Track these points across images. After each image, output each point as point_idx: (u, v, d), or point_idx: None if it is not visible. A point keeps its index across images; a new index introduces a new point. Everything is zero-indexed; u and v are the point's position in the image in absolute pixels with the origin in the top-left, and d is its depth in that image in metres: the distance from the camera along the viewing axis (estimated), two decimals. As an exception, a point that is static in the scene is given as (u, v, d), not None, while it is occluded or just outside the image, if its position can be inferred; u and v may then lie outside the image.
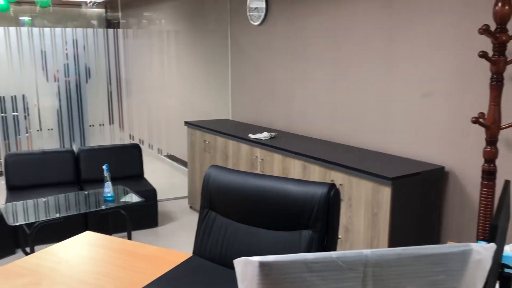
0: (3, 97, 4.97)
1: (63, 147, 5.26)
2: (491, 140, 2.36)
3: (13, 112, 5.05)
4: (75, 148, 5.08)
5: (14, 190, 4.30)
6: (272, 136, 3.91)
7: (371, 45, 3.34)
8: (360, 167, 2.84)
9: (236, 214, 1.76)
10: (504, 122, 2.46)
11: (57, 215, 3.38)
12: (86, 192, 3.95)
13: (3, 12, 6.08)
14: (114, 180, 4.14)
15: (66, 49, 5.11)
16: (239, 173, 1.78)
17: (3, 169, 4.50)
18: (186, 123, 4.86)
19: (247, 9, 4.66)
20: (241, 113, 5.02)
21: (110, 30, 5.35)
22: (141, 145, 5.23)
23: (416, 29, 3.00)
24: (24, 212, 3.45)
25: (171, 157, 6.79)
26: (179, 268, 1.62)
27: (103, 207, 3.61)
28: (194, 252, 1.82)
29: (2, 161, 4.55)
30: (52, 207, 3.56)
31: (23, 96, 5.08)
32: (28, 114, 5.17)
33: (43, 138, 5.26)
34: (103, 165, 3.81)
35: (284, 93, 4.30)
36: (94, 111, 5.49)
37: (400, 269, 0.91)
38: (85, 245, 1.81)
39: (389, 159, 3.09)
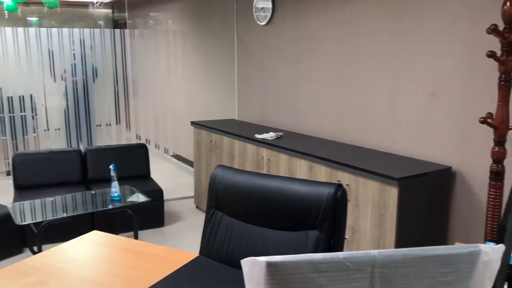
0: (11, 97, 5.00)
1: (70, 147, 5.29)
2: (499, 141, 2.35)
3: (21, 112, 5.08)
4: (82, 148, 5.10)
5: (22, 190, 4.33)
6: (278, 136, 3.91)
7: (377, 45, 3.33)
8: (366, 167, 2.83)
9: (242, 214, 1.76)
10: (512, 122, 2.44)
11: (64, 215, 3.40)
12: (93, 192, 3.96)
13: (11, 13, 6.11)
14: (121, 179, 4.15)
15: (73, 49, 5.14)
16: (245, 173, 1.78)
17: (11, 169, 4.53)
18: (192, 123, 4.86)
19: (254, 9, 4.66)
20: (247, 113, 5.02)
21: (117, 31, 5.37)
22: (147, 145, 5.24)
23: (423, 29, 2.99)
24: (31, 211, 3.47)
25: (178, 157, 6.81)
26: (185, 268, 1.63)
27: (110, 206, 3.63)
28: (200, 252, 1.82)
29: (10, 160, 4.58)
30: (59, 206, 3.58)
31: (31, 96, 5.11)
32: (36, 114, 5.20)
33: (51, 138, 5.29)
34: (110, 165, 3.82)
35: (290, 93, 4.29)
36: (101, 111, 5.52)
37: (407, 269, 0.91)
38: (92, 244, 1.82)
39: (396, 159, 3.08)
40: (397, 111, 3.23)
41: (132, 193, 3.96)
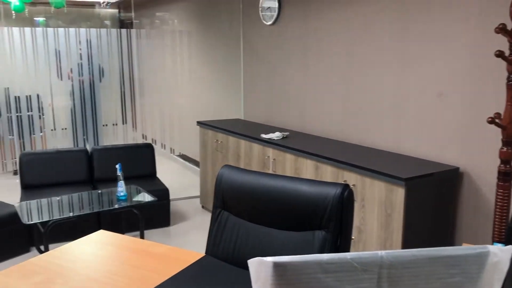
0: (18, 96, 5.03)
1: (77, 146, 5.31)
2: (508, 141, 2.33)
3: (28, 111, 5.11)
4: (88, 147, 5.12)
5: (29, 189, 4.35)
6: (284, 136, 3.90)
7: (384, 44, 3.32)
8: (373, 168, 2.82)
9: (248, 214, 1.76)
10: (520, 122, 2.42)
11: (71, 214, 3.41)
12: (99, 191, 3.97)
13: (19, 13, 6.15)
14: (127, 179, 4.16)
15: (80, 49, 5.16)
16: (252, 173, 1.78)
17: (18, 168, 4.55)
18: (199, 123, 4.87)
19: (260, 8, 4.66)
20: (253, 113, 5.02)
21: (123, 30, 5.39)
22: (153, 144, 5.25)
23: (430, 28, 2.97)
24: (38, 210, 3.49)
25: (183, 157, 6.82)
26: (192, 268, 1.63)
27: (116, 206, 3.64)
28: (206, 252, 1.82)
29: (17, 160, 4.60)
30: (65, 206, 3.59)
31: (38, 96, 5.13)
32: (43, 114, 5.23)
33: (57, 137, 5.31)
34: (116, 164, 3.83)
35: (297, 93, 4.29)
36: (107, 111, 5.53)
37: (415, 270, 0.90)
38: (98, 244, 1.83)
39: (403, 159, 3.07)
40: (404, 111, 3.22)
41: (138, 192, 3.97)
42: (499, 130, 2.60)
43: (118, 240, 1.85)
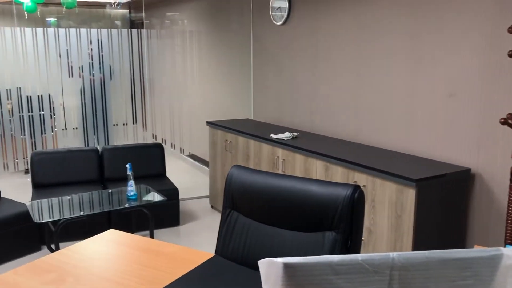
0: (30, 96, 5.07)
1: (87, 145, 5.34)
2: (520, 142, 2.30)
3: (40, 111, 5.15)
4: (99, 147, 5.15)
5: (40, 188, 4.39)
6: (294, 136, 3.90)
7: (395, 44, 3.30)
8: (383, 168, 2.81)
9: (258, 214, 1.75)
10: (533, 123, 2.39)
11: (81, 213, 3.43)
12: (109, 191, 4.00)
13: (31, 13, 6.20)
14: (137, 179, 4.18)
15: (91, 49, 5.19)
16: (261, 173, 1.78)
17: (29, 167, 4.59)
18: (208, 122, 4.88)
19: (270, 9, 4.66)
20: (263, 113, 5.01)
21: (134, 31, 5.41)
22: (163, 144, 5.27)
23: (442, 28, 2.95)
24: (49, 209, 3.52)
25: (193, 157, 6.83)
26: (201, 268, 1.63)
27: (126, 205, 3.65)
28: (216, 252, 1.82)
29: (29, 159, 4.64)
30: (76, 205, 3.62)
31: (49, 95, 5.17)
32: (54, 114, 5.27)
33: (68, 136, 5.35)
34: (127, 164, 3.85)
35: (307, 93, 4.28)
36: (117, 111, 5.56)
37: (427, 272, 0.89)
38: (108, 243, 1.83)
39: (413, 160, 3.05)
40: (415, 111, 3.20)
41: (148, 192, 3.99)
42: (511, 131, 2.58)
43: (128, 240, 1.86)
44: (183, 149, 6.48)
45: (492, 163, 2.73)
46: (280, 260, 0.83)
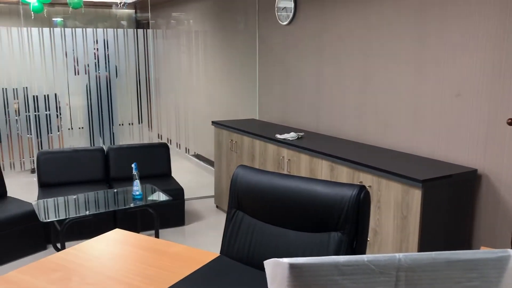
0: (37, 96, 5.10)
1: (93, 145, 5.36)
2: (527, 143, 2.29)
3: (46, 111, 5.17)
4: (104, 146, 5.16)
5: (46, 187, 4.41)
6: (299, 136, 3.89)
7: (401, 44, 3.29)
8: (389, 169, 2.80)
9: (264, 214, 1.75)
10: (541, 124, 2.37)
11: (87, 213, 3.44)
12: (115, 190, 4.01)
13: (38, 14, 6.23)
14: (143, 178, 4.19)
15: (97, 49, 5.21)
16: (267, 174, 1.78)
17: (35, 167, 4.61)
18: (213, 122, 4.88)
19: (276, 9, 4.66)
20: (268, 113, 5.01)
21: (140, 31, 5.42)
22: (169, 144, 5.28)
23: (448, 29, 2.94)
24: (55, 208, 3.53)
25: (198, 157, 6.84)
26: (207, 268, 1.63)
27: (132, 205, 3.66)
28: (221, 252, 1.82)
29: (35, 158, 4.66)
30: (82, 204, 3.63)
31: (56, 95, 5.19)
32: (60, 113, 5.29)
33: (74, 136, 5.37)
34: (132, 163, 3.86)
35: (312, 93, 4.27)
36: (123, 111, 5.58)
37: (434, 274, 0.89)
38: (114, 242, 1.84)
39: (420, 160, 3.03)
40: (421, 112, 3.19)
41: (154, 192, 4.00)
42: (518, 132, 2.56)
43: (133, 239, 1.87)
44: (188, 149, 6.49)
45: (499, 163, 2.72)
46: (286, 260, 0.83)
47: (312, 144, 3.61)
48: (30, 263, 1.66)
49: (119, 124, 5.58)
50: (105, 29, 5.20)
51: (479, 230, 2.87)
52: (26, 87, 5.06)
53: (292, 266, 0.82)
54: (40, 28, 4.96)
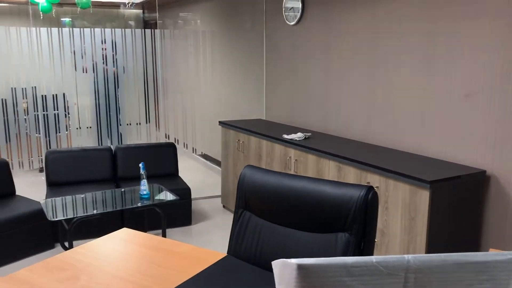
0: (45, 95, 5.13)
1: (101, 145, 5.38)
2: (537, 144, 2.27)
3: (54, 110, 5.20)
4: (112, 146, 5.18)
5: (54, 186, 4.43)
6: (307, 136, 3.88)
7: (410, 44, 3.27)
8: (397, 170, 2.78)
9: (271, 215, 1.75)
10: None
11: (95, 212, 3.46)
12: (122, 190, 4.02)
13: (46, 14, 6.27)
14: (150, 178, 4.20)
15: (105, 49, 5.22)
16: (274, 174, 1.77)
17: (43, 166, 4.64)
18: (220, 122, 4.88)
19: (283, 9, 4.65)
20: (275, 113, 5.01)
21: (148, 31, 5.44)
22: (176, 144, 5.29)
23: (459, 27, 2.92)
24: (63, 207, 3.55)
25: (205, 156, 6.85)
26: (214, 267, 1.63)
27: (139, 204, 3.67)
28: (228, 252, 1.82)
29: (43, 157, 4.69)
30: (89, 203, 3.64)
31: (64, 95, 5.22)
32: (68, 113, 5.32)
33: (82, 136, 5.40)
34: (139, 163, 3.87)
35: (319, 93, 4.26)
36: (131, 110, 5.59)
37: (443, 276, 0.88)
38: (121, 241, 1.84)
39: (428, 161, 3.02)
40: (429, 112, 3.17)
41: (161, 191, 4.01)
42: (528, 132, 2.54)
43: (140, 238, 1.87)
44: (195, 149, 6.49)
45: (508, 165, 2.69)
46: (294, 261, 0.82)
47: (319, 144, 3.60)
48: (38, 262, 1.67)
49: (127, 124, 5.60)
50: (113, 29, 5.22)
51: (488, 232, 2.85)
52: (35, 87, 5.09)
53: (300, 267, 0.82)
54: (49, 28, 4.99)
